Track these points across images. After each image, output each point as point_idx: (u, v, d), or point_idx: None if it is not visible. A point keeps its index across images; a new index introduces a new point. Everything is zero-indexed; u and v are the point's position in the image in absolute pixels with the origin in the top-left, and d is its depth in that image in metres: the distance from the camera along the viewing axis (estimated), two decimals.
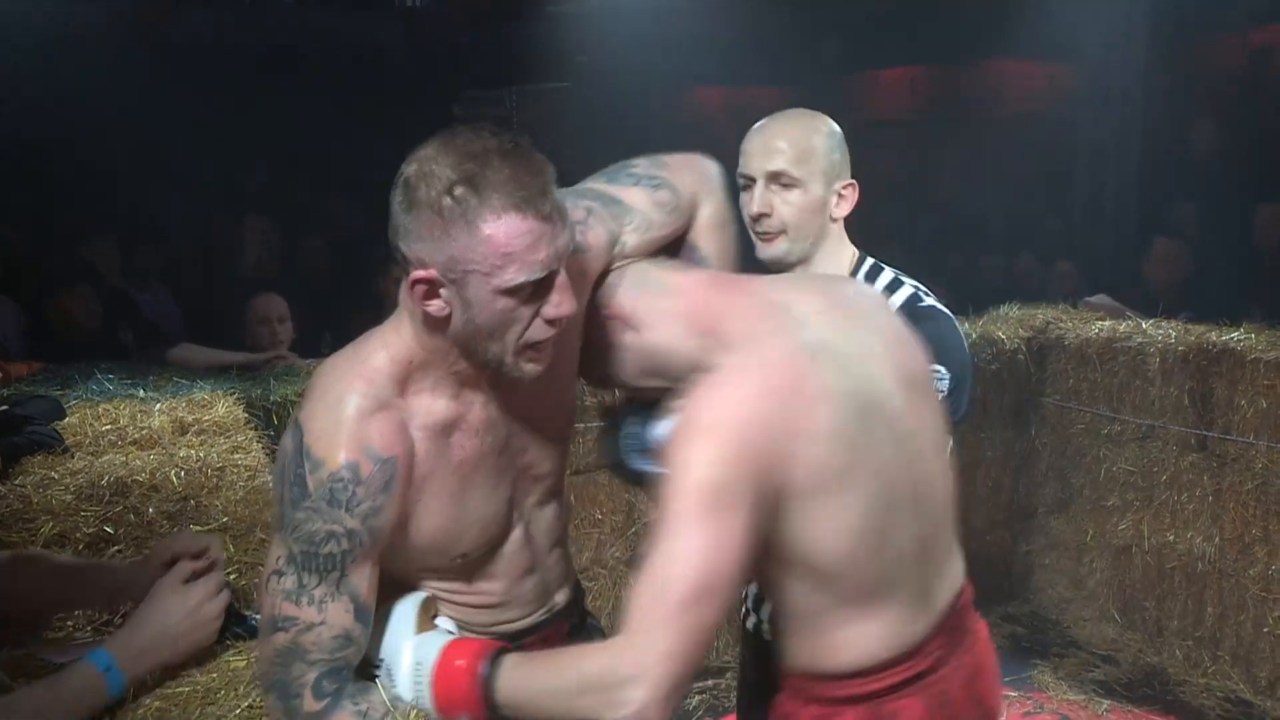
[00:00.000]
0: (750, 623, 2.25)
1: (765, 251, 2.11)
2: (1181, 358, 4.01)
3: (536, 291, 1.45)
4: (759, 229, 2.10)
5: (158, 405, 2.91)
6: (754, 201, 2.08)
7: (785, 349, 1.53)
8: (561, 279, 1.47)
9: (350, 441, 1.45)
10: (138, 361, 3.63)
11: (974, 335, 4.32)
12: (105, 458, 2.50)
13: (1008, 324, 4.49)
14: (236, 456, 2.50)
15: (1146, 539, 4.17)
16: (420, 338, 1.50)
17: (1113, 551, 4.33)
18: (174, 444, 2.60)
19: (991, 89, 10.02)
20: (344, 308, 4.77)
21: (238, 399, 3.14)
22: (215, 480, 2.38)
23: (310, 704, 1.44)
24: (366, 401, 1.47)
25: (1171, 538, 4.08)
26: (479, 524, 1.62)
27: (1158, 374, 4.08)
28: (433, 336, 1.50)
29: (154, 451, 2.57)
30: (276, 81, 8.27)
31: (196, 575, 1.60)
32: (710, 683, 4.10)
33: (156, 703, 1.48)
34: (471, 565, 1.66)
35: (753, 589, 2.20)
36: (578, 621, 1.91)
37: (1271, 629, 3.82)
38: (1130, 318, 4.36)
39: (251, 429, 2.87)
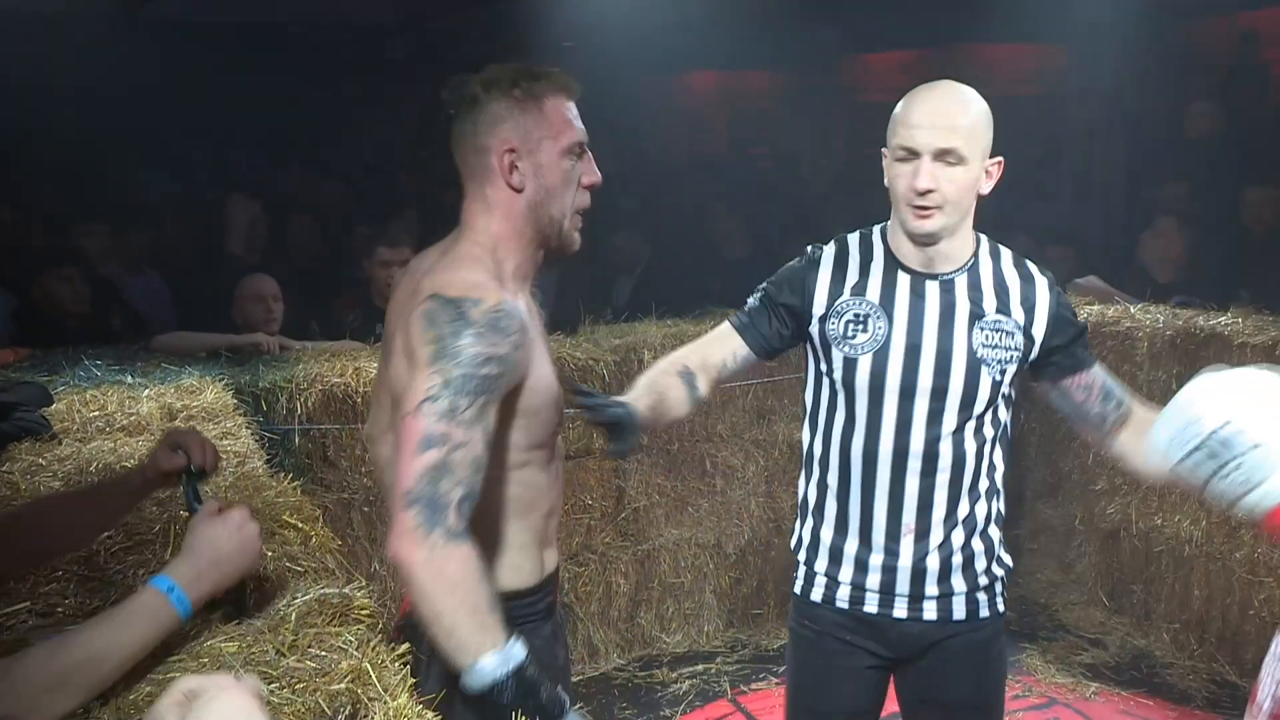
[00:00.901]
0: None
1: (923, 226, 2.10)
2: (1169, 342, 4.02)
3: (581, 156, 1.85)
4: (921, 203, 2.09)
5: (146, 391, 2.90)
6: (920, 177, 2.07)
7: None
8: (589, 156, 1.86)
9: (496, 291, 1.72)
10: (125, 347, 3.61)
11: None
12: (93, 444, 2.49)
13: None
14: (226, 442, 2.50)
15: (1135, 523, 4.18)
16: (501, 227, 1.82)
17: (1101, 535, 4.36)
18: (163, 430, 2.59)
19: (982, 71, 10.02)
20: (330, 291, 4.77)
21: (226, 385, 3.13)
22: None
23: (454, 521, 1.59)
24: (484, 276, 1.75)
25: (1159, 522, 4.10)
26: (558, 406, 1.88)
27: (1146, 358, 4.09)
28: (510, 216, 1.81)
29: (143, 438, 2.56)
30: (266, 61, 8.23)
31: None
32: (700, 667, 4.11)
33: (148, 688, 1.47)
34: (545, 459, 1.88)
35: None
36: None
37: (1257, 611, 3.84)
38: (1119, 301, 4.37)
39: (240, 415, 2.87)
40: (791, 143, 8.90)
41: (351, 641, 1.54)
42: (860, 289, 2.20)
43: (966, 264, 2.18)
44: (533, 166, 1.80)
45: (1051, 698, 3.87)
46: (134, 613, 1.48)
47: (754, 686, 4.00)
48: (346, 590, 1.67)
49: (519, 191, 1.81)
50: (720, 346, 2.36)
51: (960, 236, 2.16)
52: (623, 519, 4.12)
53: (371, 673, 1.47)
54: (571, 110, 1.84)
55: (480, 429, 1.64)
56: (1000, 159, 2.15)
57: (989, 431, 2.19)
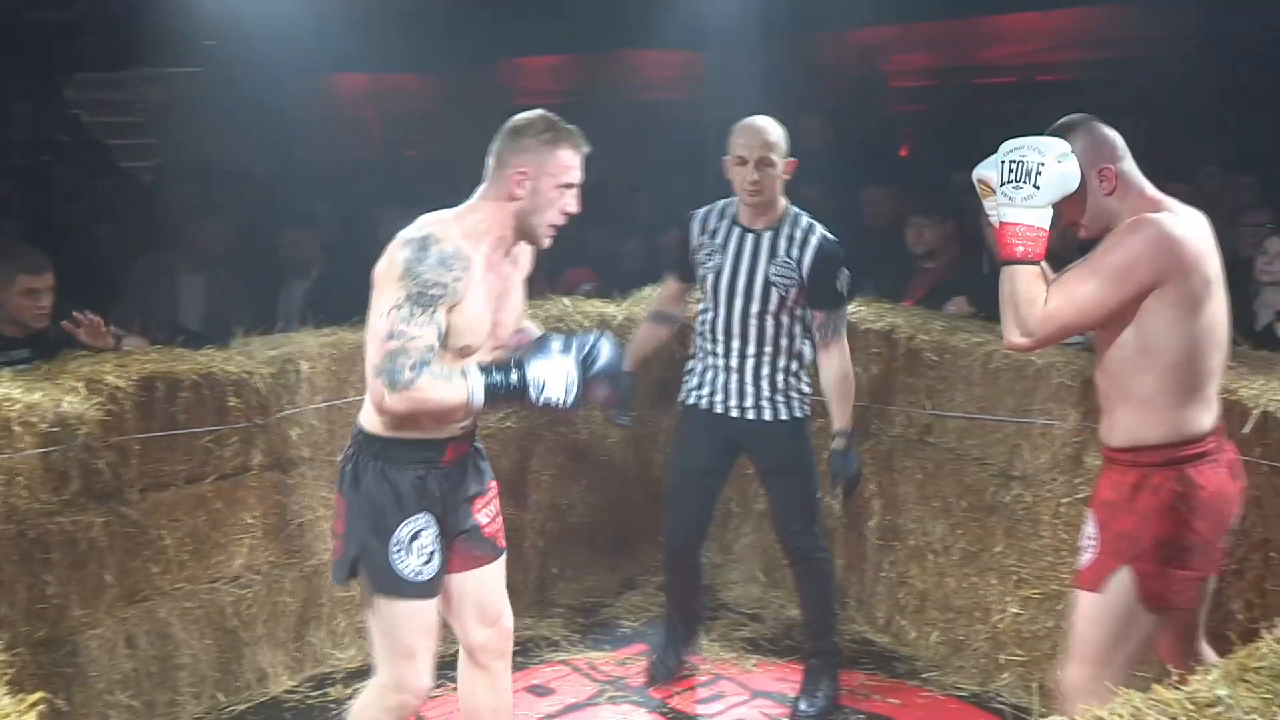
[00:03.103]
0: None
1: (751, 201, 3.53)
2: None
3: (569, 189, 2.65)
4: (752, 190, 3.50)
5: None
6: (750, 173, 3.47)
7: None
8: (575, 191, 2.65)
9: (454, 240, 2.53)
10: None
11: (619, 316, 4.47)
12: None
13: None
14: None
15: None
16: (495, 213, 2.64)
17: (756, 516, 4.63)
18: None
19: (629, 76, 10.41)
20: None
21: None
22: None
23: (406, 375, 2.45)
24: (455, 231, 2.56)
25: None
26: (484, 328, 2.63)
27: None
28: (503, 211, 2.64)
29: None
30: None
31: None
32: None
33: None
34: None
35: None
36: (473, 438, 2.84)
37: (887, 574, 4.23)
38: None
39: None
40: (447, 146, 8.88)
41: None
42: (713, 235, 3.64)
43: (773, 225, 3.58)
44: (533, 189, 2.61)
45: (717, 674, 4.07)
46: None
47: (432, 694, 3.95)
48: None
49: (517, 200, 2.62)
50: (666, 289, 3.90)
51: (772, 208, 3.57)
52: (286, 536, 3.96)
53: None
54: (575, 159, 2.65)
55: (432, 327, 2.47)
56: (794, 159, 3.54)
57: (784, 320, 3.59)
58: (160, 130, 9.56)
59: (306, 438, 3.98)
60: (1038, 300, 2.49)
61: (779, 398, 3.65)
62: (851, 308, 4.29)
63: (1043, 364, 3.79)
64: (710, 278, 3.62)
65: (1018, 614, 3.80)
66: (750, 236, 3.58)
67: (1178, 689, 1.54)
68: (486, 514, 2.83)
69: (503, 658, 2.91)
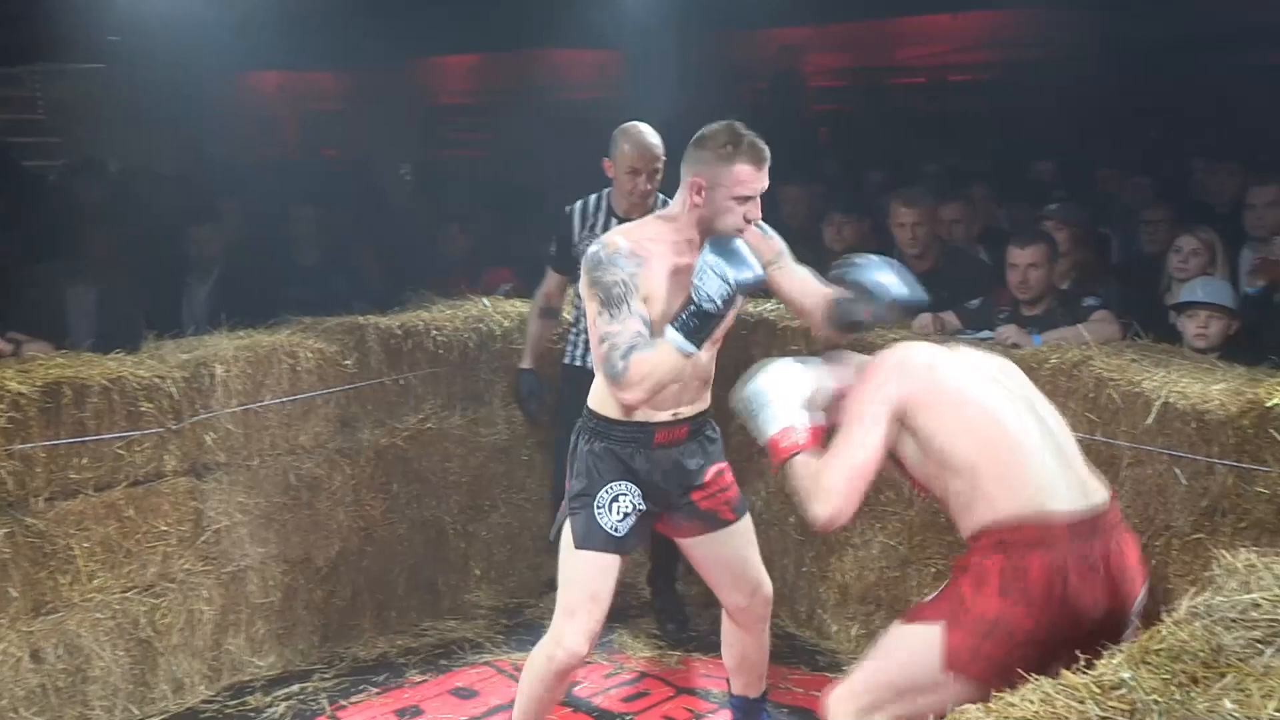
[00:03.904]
0: None
1: (643, 204, 3.93)
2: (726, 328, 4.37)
3: (748, 200, 2.78)
4: (644, 195, 3.94)
5: None
6: (644, 183, 3.92)
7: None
8: (756, 200, 2.79)
9: (624, 244, 2.80)
10: None
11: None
12: None
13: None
14: None
15: None
16: (676, 220, 2.87)
17: None
18: None
19: (548, 75, 10.39)
20: None
21: None
22: None
23: (619, 365, 2.69)
24: (622, 239, 2.84)
25: None
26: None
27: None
28: (685, 218, 2.84)
29: None
30: None
31: None
32: (296, 687, 3.97)
33: None
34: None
35: None
36: (695, 429, 3.04)
37: (808, 568, 4.29)
38: None
39: None
40: (364, 145, 8.77)
41: None
42: (593, 227, 4.02)
43: (647, 214, 3.53)
44: (709, 197, 2.77)
45: (641, 672, 4.09)
46: None
47: (354, 699, 3.92)
48: None
49: (696, 208, 2.80)
50: (551, 283, 4.24)
51: (650, 201, 3.95)
52: (203, 542, 3.89)
53: None
54: (751, 172, 2.75)
55: (632, 318, 2.72)
56: (664, 159, 3.90)
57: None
58: (63, 128, 9.31)
59: (222, 442, 3.91)
60: (821, 478, 2.48)
61: None
62: (770, 305, 4.34)
63: None
64: None
65: None
66: None
67: (1084, 674, 1.58)
68: (704, 495, 3.06)
69: (762, 621, 3.24)
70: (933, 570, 3.89)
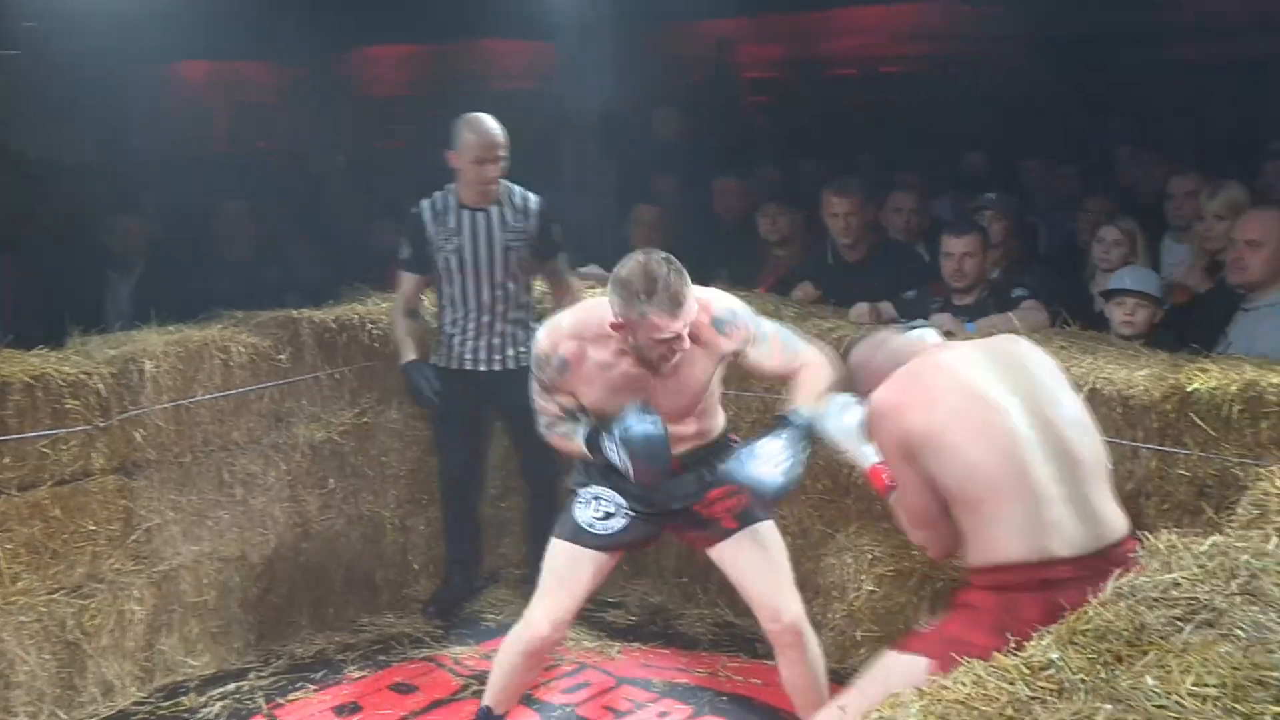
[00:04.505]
0: None
1: (490, 192, 4.12)
2: None
3: (664, 343, 2.85)
4: (490, 181, 4.09)
5: None
6: (488, 171, 4.06)
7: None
8: (681, 339, 2.86)
9: (558, 353, 2.99)
10: None
11: None
12: None
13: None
14: None
15: None
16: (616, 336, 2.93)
17: None
18: None
19: (482, 66, 10.33)
20: None
21: None
22: None
23: (543, 430, 3.13)
24: (574, 337, 3.00)
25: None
26: (611, 408, 2.99)
27: None
28: (620, 339, 2.93)
29: None
30: None
31: None
32: (232, 686, 3.92)
33: None
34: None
35: None
36: (692, 463, 3.14)
37: None
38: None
39: None
40: (296, 137, 8.65)
41: None
42: (444, 223, 4.14)
43: (496, 201, 4.14)
44: (629, 335, 2.87)
45: (581, 663, 4.09)
46: None
47: (291, 697, 3.88)
48: None
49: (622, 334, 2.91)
50: (410, 285, 4.24)
51: (495, 189, 4.12)
52: (133, 542, 3.82)
53: None
54: (664, 321, 2.79)
55: (552, 403, 3.07)
56: (507, 146, 4.05)
57: (521, 278, 4.23)
58: None
59: (152, 439, 3.85)
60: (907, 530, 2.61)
61: (521, 348, 4.12)
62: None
63: None
64: (454, 258, 4.12)
65: (873, 591, 3.91)
66: (480, 215, 4.13)
67: (1014, 655, 1.62)
68: (704, 505, 3.14)
69: (793, 649, 3.15)
70: (869, 557, 3.94)
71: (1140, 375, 3.21)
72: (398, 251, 4.27)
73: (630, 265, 2.84)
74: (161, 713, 3.76)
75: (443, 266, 4.15)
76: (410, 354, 4.20)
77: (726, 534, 3.14)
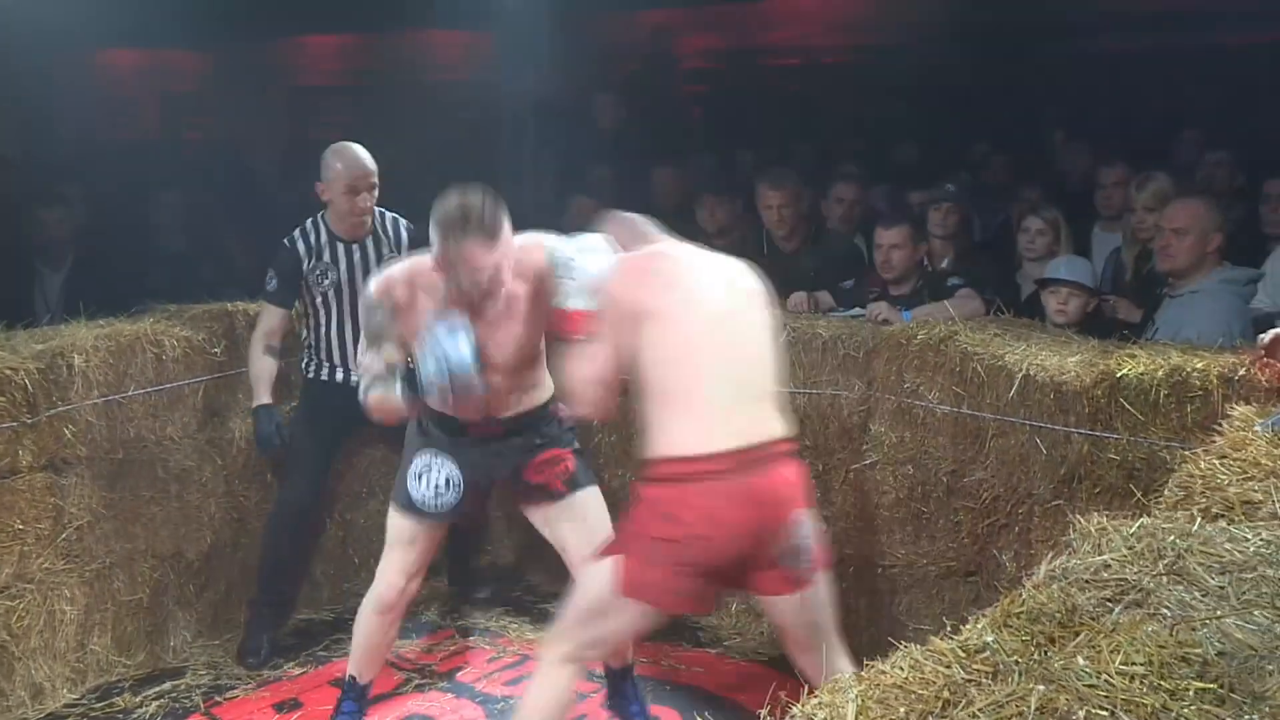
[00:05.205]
0: None
1: (364, 223, 4.05)
2: None
3: (478, 272, 2.88)
4: (362, 212, 4.00)
5: None
6: (362, 201, 3.98)
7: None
8: (499, 273, 2.91)
9: (383, 290, 3.05)
10: None
11: None
12: None
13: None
14: None
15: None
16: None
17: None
18: None
19: (417, 56, 10.23)
20: None
21: None
22: None
23: (363, 395, 3.08)
24: (407, 282, 3.06)
25: (606, 476, 4.48)
26: None
27: None
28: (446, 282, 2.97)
29: None
30: None
31: None
32: (169, 685, 3.86)
33: None
34: None
35: None
36: (515, 429, 3.23)
37: None
38: None
39: None
40: (228, 127, 8.50)
41: None
42: (319, 255, 4.03)
43: (370, 233, 4.07)
44: (451, 273, 2.90)
45: (524, 654, 4.09)
46: None
47: (230, 695, 3.84)
48: None
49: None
50: (275, 319, 4.06)
51: (369, 220, 4.07)
52: (64, 540, 3.75)
53: None
54: (481, 252, 2.84)
55: (377, 357, 3.08)
56: (376, 175, 4.01)
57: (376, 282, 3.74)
58: None
59: (83, 435, 3.78)
60: (574, 374, 2.78)
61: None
62: None
63: (829, 336, 3.95)
64: (330, 292, 4.03)
65: None
66: (355, 248, 4.04)
67: (950, 639, 1.65)
68: (533, 470, 3.24)
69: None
70: None
71: (1072, 361, 3.27)
72: (265, 283, 4.05)
73: (448, 201, 2.87)
74: (95, 714, 3.70)
75: (320, 302, 4.04)
76: (264, 397, 4.01)
77: (554, 497, 3.25)
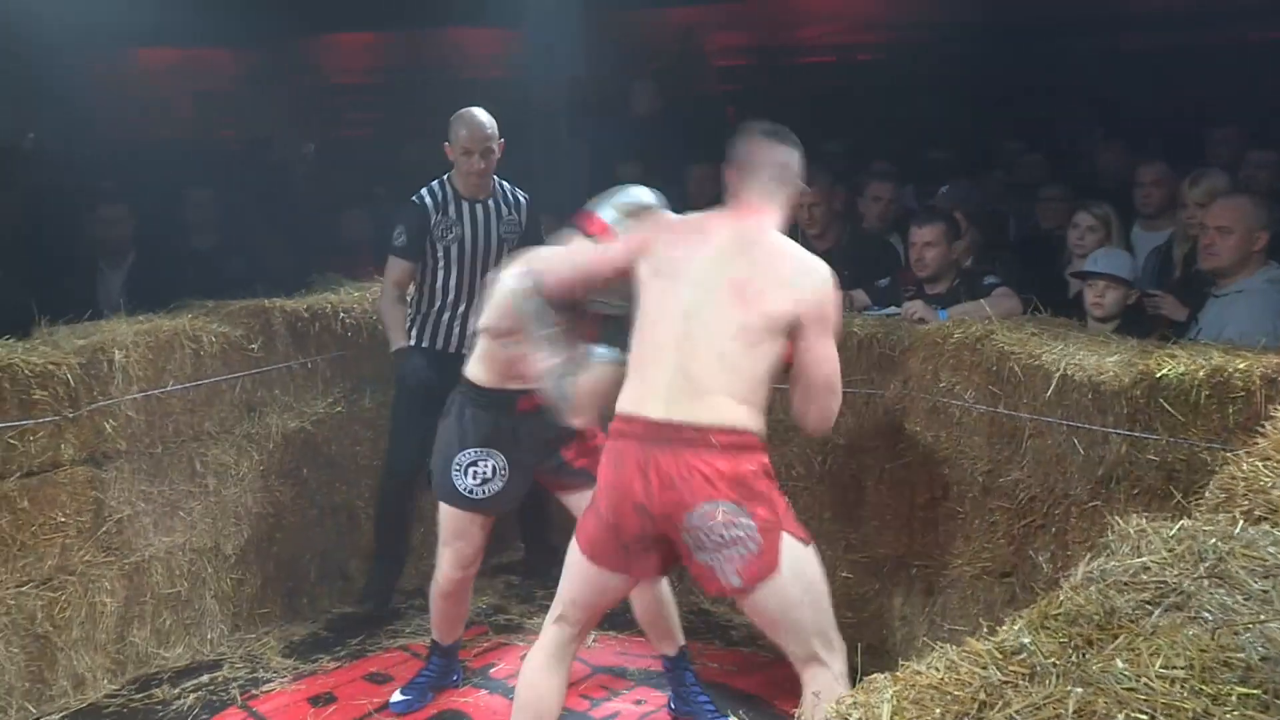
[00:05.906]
0: None
1: (483, 184, 4.29)
2: None
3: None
4: (480, 174, 4.23)
5: None
6: (478, 163, 4.19)
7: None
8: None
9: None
10: None
11: None
12: None
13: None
14: None
15: None
16: None
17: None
18: None
19: (449, 54, 10.27)
20: None
21: None
22: None
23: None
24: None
25: None
26: None
27: None
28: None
29: None
30: None
31: None
32: (206, 678, 3.90)
33: None
34: None
35: None
36: None
37: None
38: None
39: None
40: (262, 124, 8.56)
41: None
42: (445, 212, 4.25)
43: (491, 194, 4.31)
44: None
45: None
46: None
47: (265, 688, 3.87)
48: None
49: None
50: (402, 271, 4.29)
51: (489, 181, 4.30)
52: (104, 533, 3.79)
53: None
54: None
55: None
56: (503, 140, 4.23)
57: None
58: None
59: (123, 430, 3.82)
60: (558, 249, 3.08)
61: None
62: None
63: (864, 335, 3.94)
64: (454, 247, 4.23)
65: (847, 578, 3.95)
66: (479, 206, 4.28)
67: (987, 640, 1.64)
68: (576, 454, 3.35)
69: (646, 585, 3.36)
70: (843, 544, 3.97)
71: (1110, 361, 3.24)
72: (393, 238, 4.29)
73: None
74: (134, 705, 3.74)
75: (441, 256, 4.23)
76: (402, 340, 4.26)
77: (590, 480, 3.24)
